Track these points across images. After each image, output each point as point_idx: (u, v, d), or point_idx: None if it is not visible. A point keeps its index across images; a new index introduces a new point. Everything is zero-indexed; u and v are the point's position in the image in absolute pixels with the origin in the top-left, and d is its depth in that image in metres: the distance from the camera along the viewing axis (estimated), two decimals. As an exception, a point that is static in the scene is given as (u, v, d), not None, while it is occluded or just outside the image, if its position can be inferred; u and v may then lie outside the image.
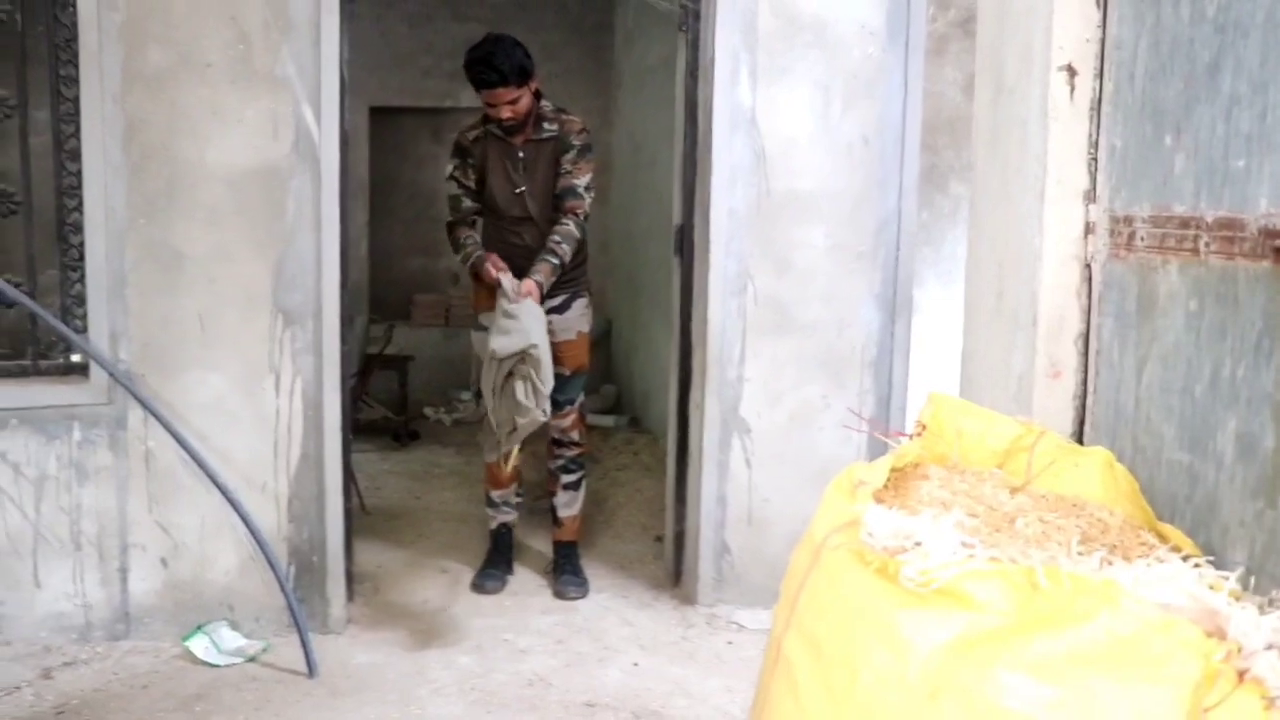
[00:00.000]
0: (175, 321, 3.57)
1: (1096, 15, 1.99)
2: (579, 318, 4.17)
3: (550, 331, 4.09)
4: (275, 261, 3.59)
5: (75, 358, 3.64)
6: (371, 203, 7.87)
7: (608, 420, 6.78)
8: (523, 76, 3.87)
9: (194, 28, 3.43)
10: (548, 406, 3.67)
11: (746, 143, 3.87)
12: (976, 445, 1.72)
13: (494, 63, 3.81)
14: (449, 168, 4.14)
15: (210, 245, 3.54)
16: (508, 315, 3.61)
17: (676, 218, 4.11)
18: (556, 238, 3.95)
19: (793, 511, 4.06)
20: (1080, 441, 1.95)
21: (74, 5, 3.39)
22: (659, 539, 4.68)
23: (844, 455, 4.09)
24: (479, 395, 3.94)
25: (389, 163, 7.98)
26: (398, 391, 6.65)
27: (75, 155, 3.50)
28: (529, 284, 3.76)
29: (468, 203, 4.10)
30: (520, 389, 3.55)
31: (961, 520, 1.36)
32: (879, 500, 1.44)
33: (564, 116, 4.07)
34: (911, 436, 1.74)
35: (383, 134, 7.88)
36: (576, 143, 4.02)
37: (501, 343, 3.57)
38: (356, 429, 6.07)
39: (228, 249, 3.55)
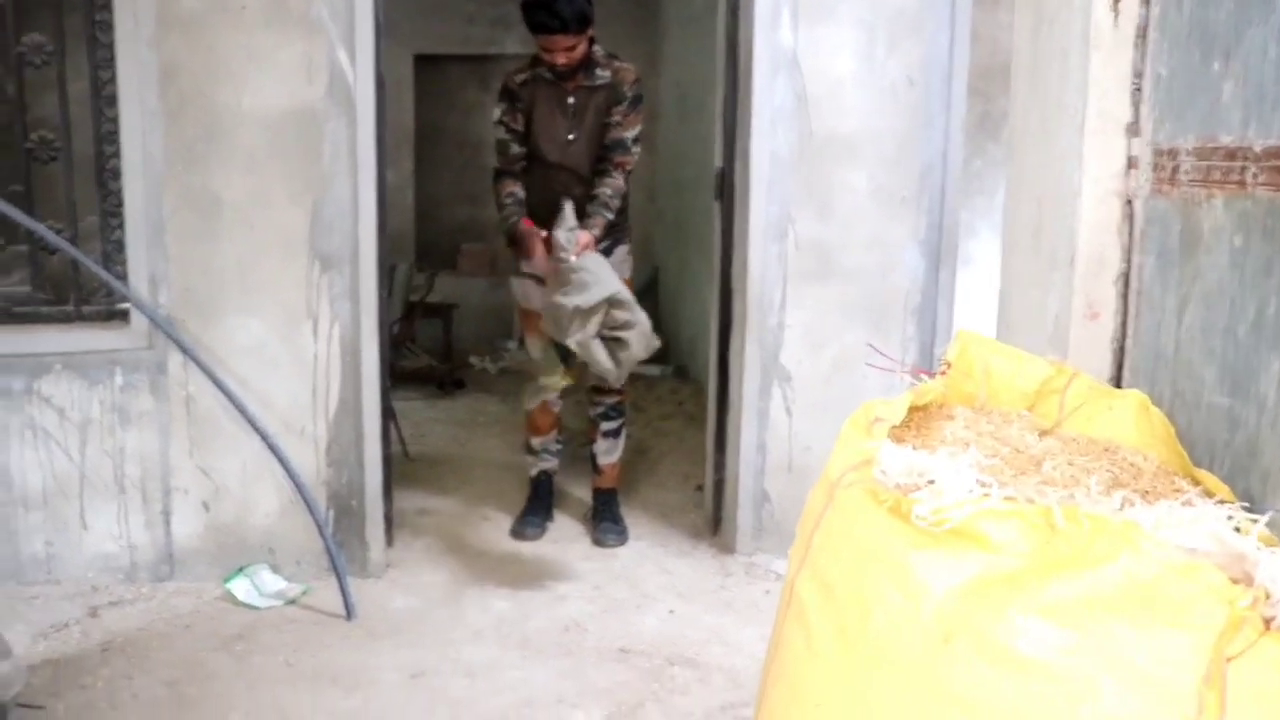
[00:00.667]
0: (214, 267, 3.57)
1: (1143, -63, 1.90)
2: (621, 264, 4.13)
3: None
4: (312, 207, 3.57)
5: (118, 304, 3.67)
6: (417, 151, 7.86)
7: (653, 370, 6.74)
8: (583, 24, 3.79)
9: (227, -30, 3.41)
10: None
11: (788, 84, 3.78)
12: (1006, 386, 1.66)
13: (555, 8, 3.71)
14: (496, 112, 4.05)
15: (247, 190, 3.54)
16: (576, 269, 3.55)
17: (717, 161, 4.04)
18: (608, 191, 3.90)
19: (834, 460, 4.02)
20: (1118, 385, 1.88)
21: (107, -52, 3.38)
22: (700, 488, 4.65)
23: (887, 404, 4.03)
24: (521, 343, 3.92)
25: (435, 111, 7.95)
26: (442, 339, 6.66)
27: (112, 101, 3.51)
28: (585, 237, 3.69)
29: (515, 148, 4.03)
30: (640, 328, 3.51)
31: (980, 460, 1.30)
32: (899, 440, 1.39)
33: (617, 64, 3.98)
34: (937, 374, 1.69)
35: (428, 82, 7.85)
36: (629, 93, 3.94)
37: (583, 297, 3.50)
38: (402, 377, 6.12)
39: (265, 194, 3.55)
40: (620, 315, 3.51)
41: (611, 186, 3.90)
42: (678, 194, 6.85)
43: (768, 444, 4.00)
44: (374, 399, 3.71)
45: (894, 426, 1.44)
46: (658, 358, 7.03)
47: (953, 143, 3.89)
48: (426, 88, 7.85)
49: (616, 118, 3.93)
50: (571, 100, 3.94)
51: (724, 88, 3.96)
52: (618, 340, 3.54)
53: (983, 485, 1.20)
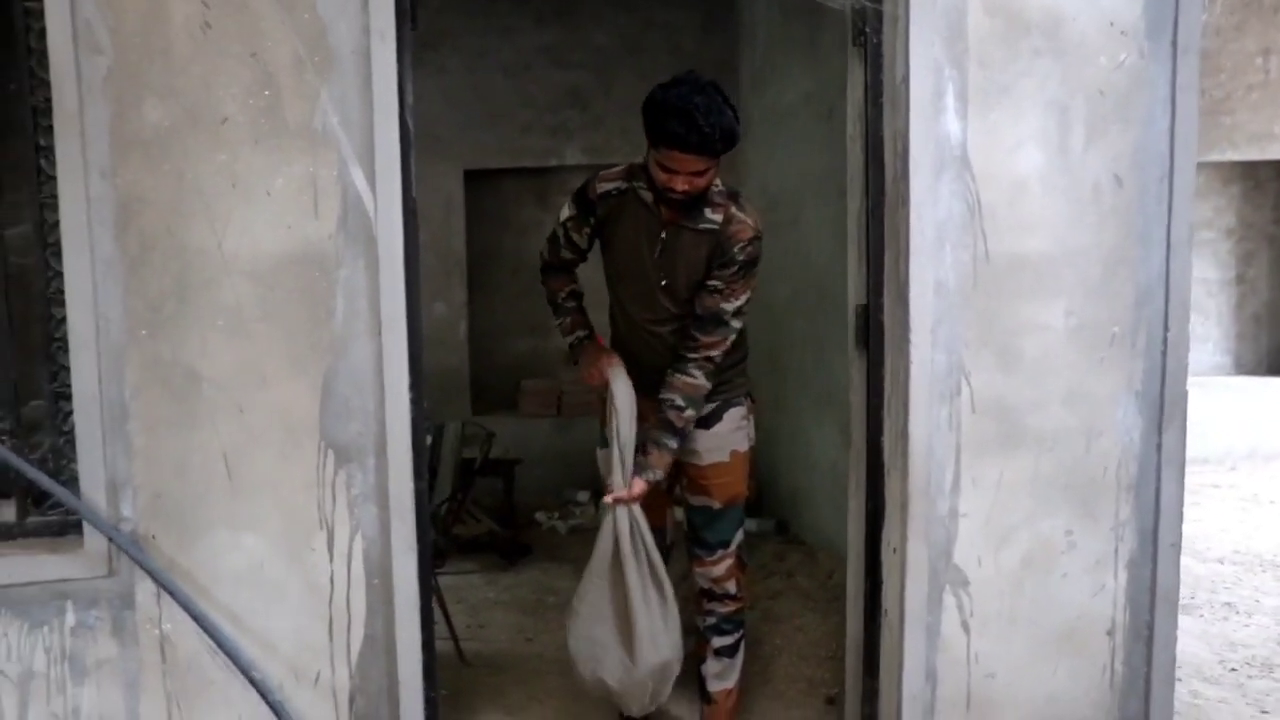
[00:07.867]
0: (193, 465, 2.65)
1: None
2: (733, 432, 3.17)
3: (691, 452, 3.12)
4: (322, 381, 2.65)
5: (73, 515, 2.75)
6: (469, 278, 6.97)
7: (749, 524, 5.69)
8: (729, 145, 2.85)
9: (202, 71, 2.53)
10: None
11: (956, 190, 2.83)
12: None
13: (696, 119, 2.74)
14: (564, 212, 3.13)
15: (234, 362, 2.63)
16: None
17: (855, 295, 3.08)
18: (678, 400, 3.01)
19: (1028, 690, 3.00)
20: None
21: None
22: (831, 700, 3.63)
23: (1096, 610, 3.00)
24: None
25: (488, 232, 7.08)
26: (503, 500, 5.70)
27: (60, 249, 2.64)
28: (639, 486, 2.99)
29: (568, 255, 3.19)
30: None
31: None
32: None
33: (734, 211, 2.99)
34: None
35: (480, 200, 7.00)
36: (741, 257, 2.97)
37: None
38: (458, 546, 5.18)
39: (257, 366, 2.63)
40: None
41: (683, 389, 3.01)
42: (771, 319, 5.88)
43: (939, 670, 2.97)
44: (413, 635, 2.75)
45: None
46: (755, 509, 6.02)
47: (1177, 260, 2.91)
48: (478, 206, 6.99)
49: (717, 282, 3.00)
50: (664, 236, 3.00)
51: (862, 198, 3.01)
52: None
53: None
